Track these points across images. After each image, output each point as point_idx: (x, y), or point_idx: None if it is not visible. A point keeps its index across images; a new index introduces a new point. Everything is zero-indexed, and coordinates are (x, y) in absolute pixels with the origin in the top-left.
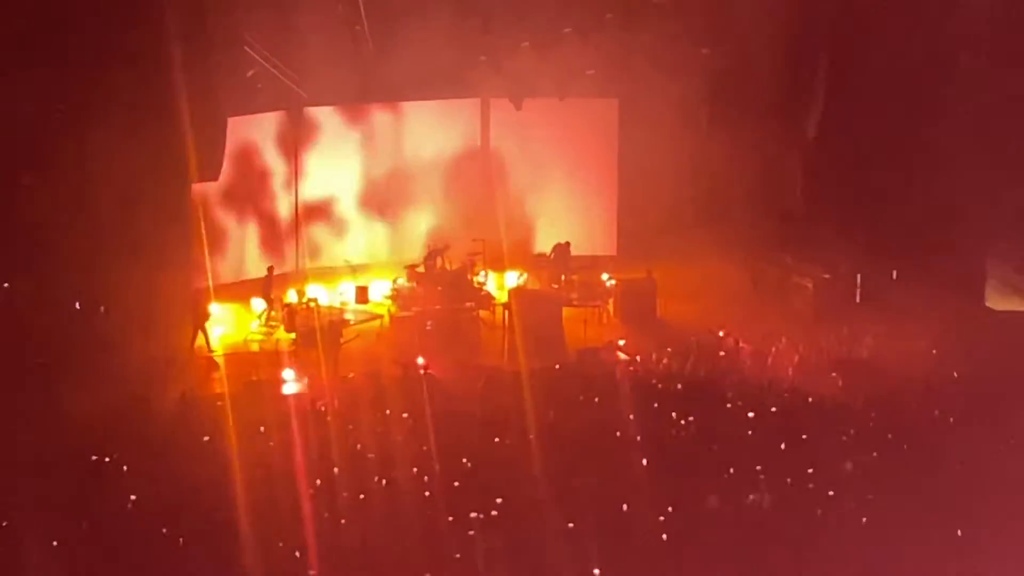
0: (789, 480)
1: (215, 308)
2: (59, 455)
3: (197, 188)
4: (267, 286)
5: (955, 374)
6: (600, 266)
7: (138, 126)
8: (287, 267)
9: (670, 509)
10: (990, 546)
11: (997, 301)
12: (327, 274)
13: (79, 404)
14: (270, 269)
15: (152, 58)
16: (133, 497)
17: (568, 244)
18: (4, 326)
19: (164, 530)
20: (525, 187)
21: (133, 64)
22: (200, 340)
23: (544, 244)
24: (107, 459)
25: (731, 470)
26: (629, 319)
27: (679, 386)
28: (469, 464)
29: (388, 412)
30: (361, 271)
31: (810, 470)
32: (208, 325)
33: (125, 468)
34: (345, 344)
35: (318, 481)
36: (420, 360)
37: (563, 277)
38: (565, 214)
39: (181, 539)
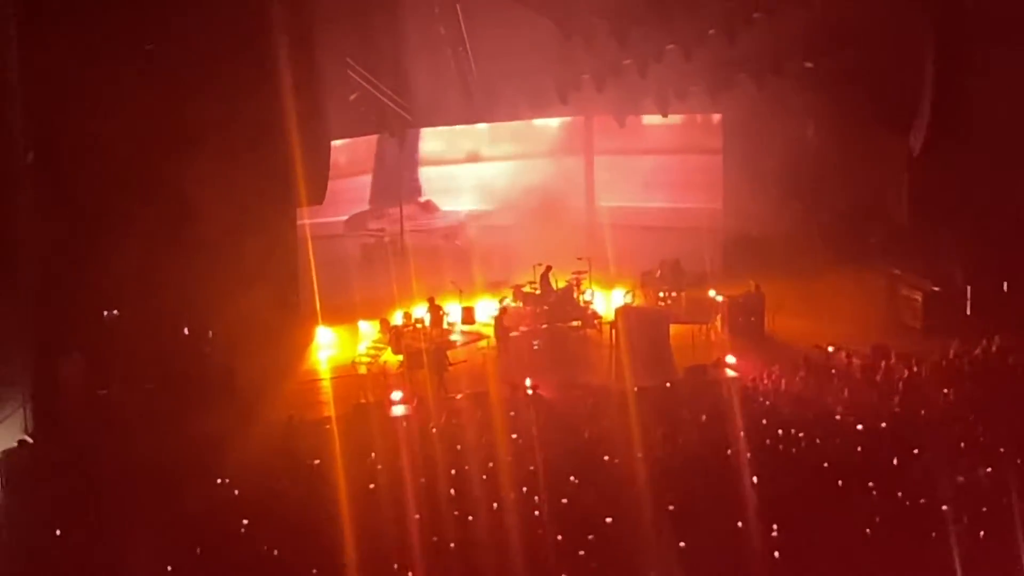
0: (901, 494)
1: (323, 331)
2: (169, 480)
3: (302, 211)
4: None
5: None
6: (707, 282)
7: (244, 152)
8: (392, 289)
9: (777, 527)
10: None
11: None
12: (435, 294)
13: (188, 429)
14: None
15: (257, 84)
16: (245, 522)
17: (677, 260)
18: (114, 352)
19: (275, 553)
20: (630, 204)
21: (238, 91)
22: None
23: (651, 261)
24: (219, 481)
25: (841, 484)
26: (738, 335)
27: (788, 402)
28: (578, 483)
29: (497, 432)
30: (467, 292)
31: (923, 485)
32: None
33: (236, 492)
34: (453, 366)
35: (428, 502)
36: (528, 380)
37: (670, 294)
38: (671, 230)
39: (293, 564)
